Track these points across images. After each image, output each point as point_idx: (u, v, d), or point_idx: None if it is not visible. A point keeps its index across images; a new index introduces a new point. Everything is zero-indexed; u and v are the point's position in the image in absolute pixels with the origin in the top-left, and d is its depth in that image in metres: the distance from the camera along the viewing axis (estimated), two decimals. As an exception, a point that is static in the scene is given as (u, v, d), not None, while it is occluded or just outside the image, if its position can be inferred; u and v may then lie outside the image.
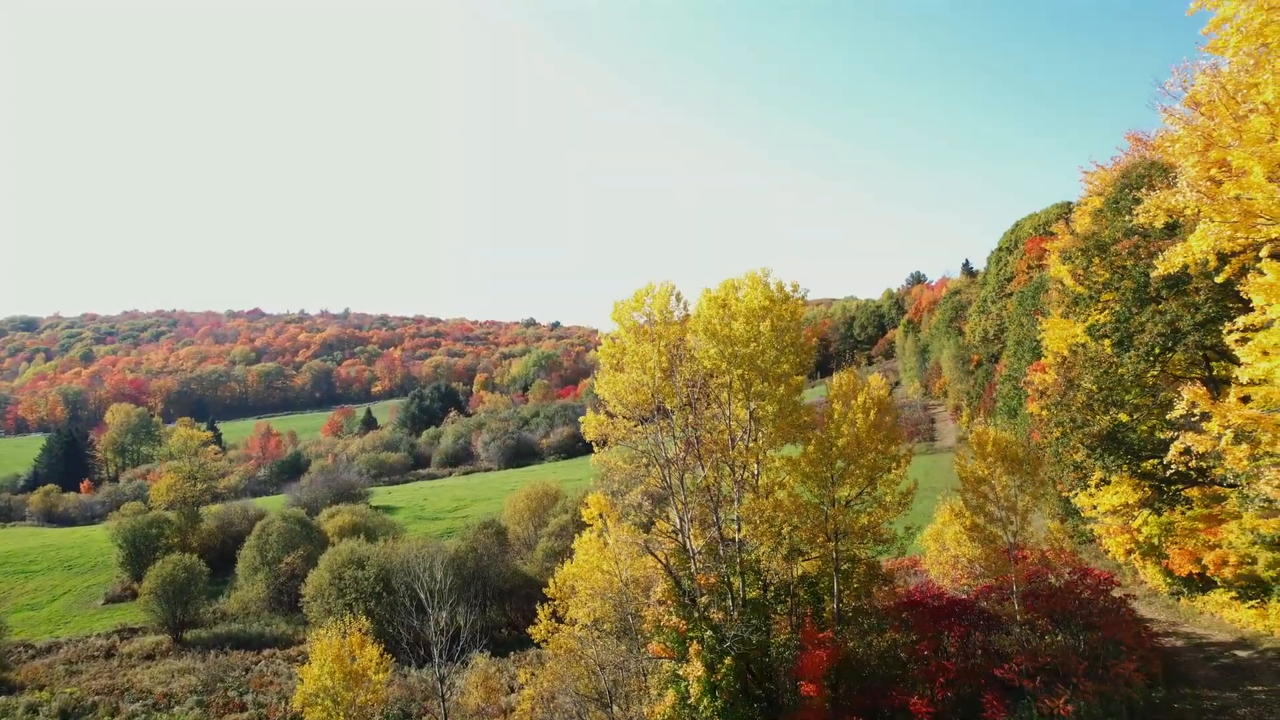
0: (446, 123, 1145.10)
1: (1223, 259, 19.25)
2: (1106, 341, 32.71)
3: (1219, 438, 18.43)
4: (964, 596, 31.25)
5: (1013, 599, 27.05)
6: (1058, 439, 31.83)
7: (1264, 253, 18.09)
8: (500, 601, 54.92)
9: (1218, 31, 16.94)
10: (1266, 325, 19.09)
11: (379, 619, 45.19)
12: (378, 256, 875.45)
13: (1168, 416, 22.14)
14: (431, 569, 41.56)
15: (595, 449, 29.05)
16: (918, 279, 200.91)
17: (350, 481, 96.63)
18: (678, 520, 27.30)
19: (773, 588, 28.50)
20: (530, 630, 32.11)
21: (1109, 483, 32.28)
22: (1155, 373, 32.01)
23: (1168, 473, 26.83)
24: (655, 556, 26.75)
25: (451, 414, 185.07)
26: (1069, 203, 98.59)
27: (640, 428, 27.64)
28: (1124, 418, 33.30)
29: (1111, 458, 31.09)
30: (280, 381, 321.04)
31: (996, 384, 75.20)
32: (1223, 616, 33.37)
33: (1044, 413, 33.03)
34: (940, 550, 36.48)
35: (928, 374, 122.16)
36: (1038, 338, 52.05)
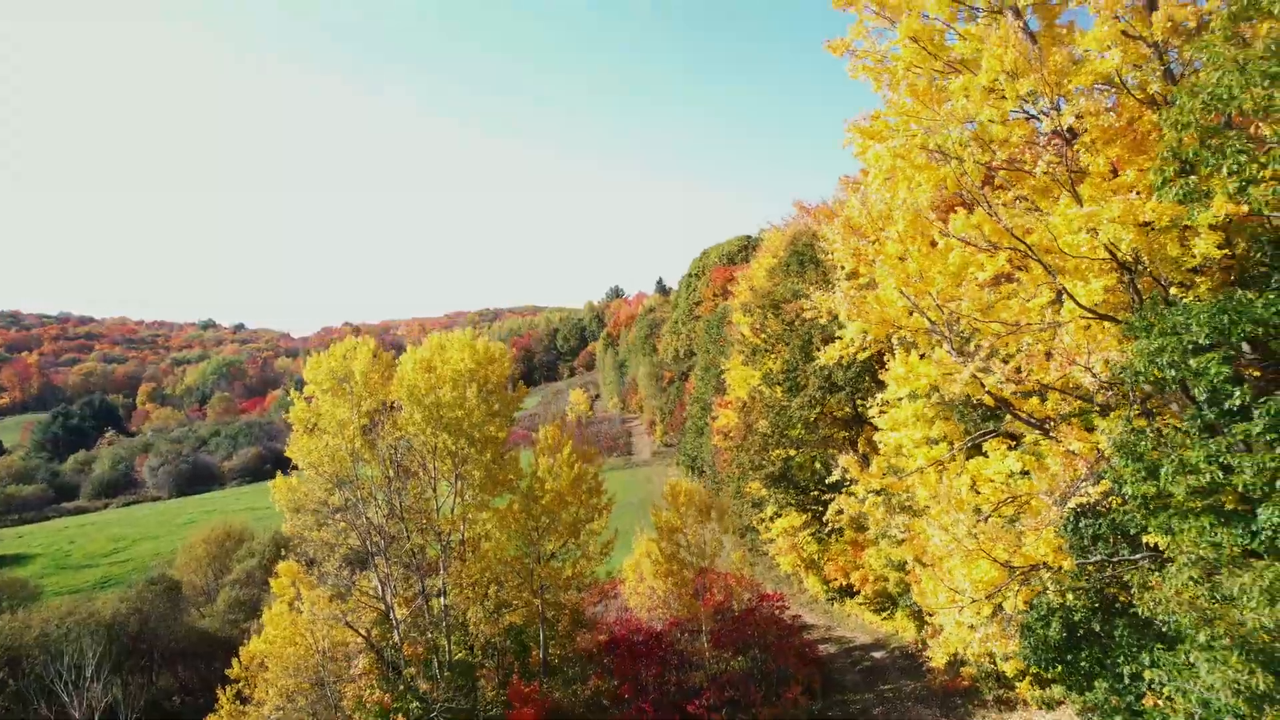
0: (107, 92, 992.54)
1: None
2: (779, 388, 36.91)
3: (864, 499, 21.65)
4: (660, 627, 33.47)
5: (703, 636, 29.47)
6: (738, 478, 35.30)
7: (894, 339, 21.62)
8: (173, 665, 48.55)
9: (865, 162, 19.91)
10: (898, 401, 22.87)
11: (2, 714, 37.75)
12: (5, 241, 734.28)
13: (826, 480, 25.54)
14: (80, 644, 35.71)
15: (279, 491, 26.51)
16: (617, 293, 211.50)
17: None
18: (380, 588, 26.13)
19: (479, 646, 28.36)
20: (209, 720, 28.77)
21: (781, 515, 36.50)
22: (817, 412, 36.85)
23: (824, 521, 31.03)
24: (355, 630, 25.35)
25: (109, 433, 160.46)
26: (749, 236, 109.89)
27: (339, 492, 26.05)
28: (794, 453, 37.82)
29: (782, 493, 35.19)
30: None
31: (687, 403, 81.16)
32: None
33: (728, 453, 36.50)
34: (638, 581, 38.71)
35: (626, 389, 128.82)
36: (722, 367, 57.32)
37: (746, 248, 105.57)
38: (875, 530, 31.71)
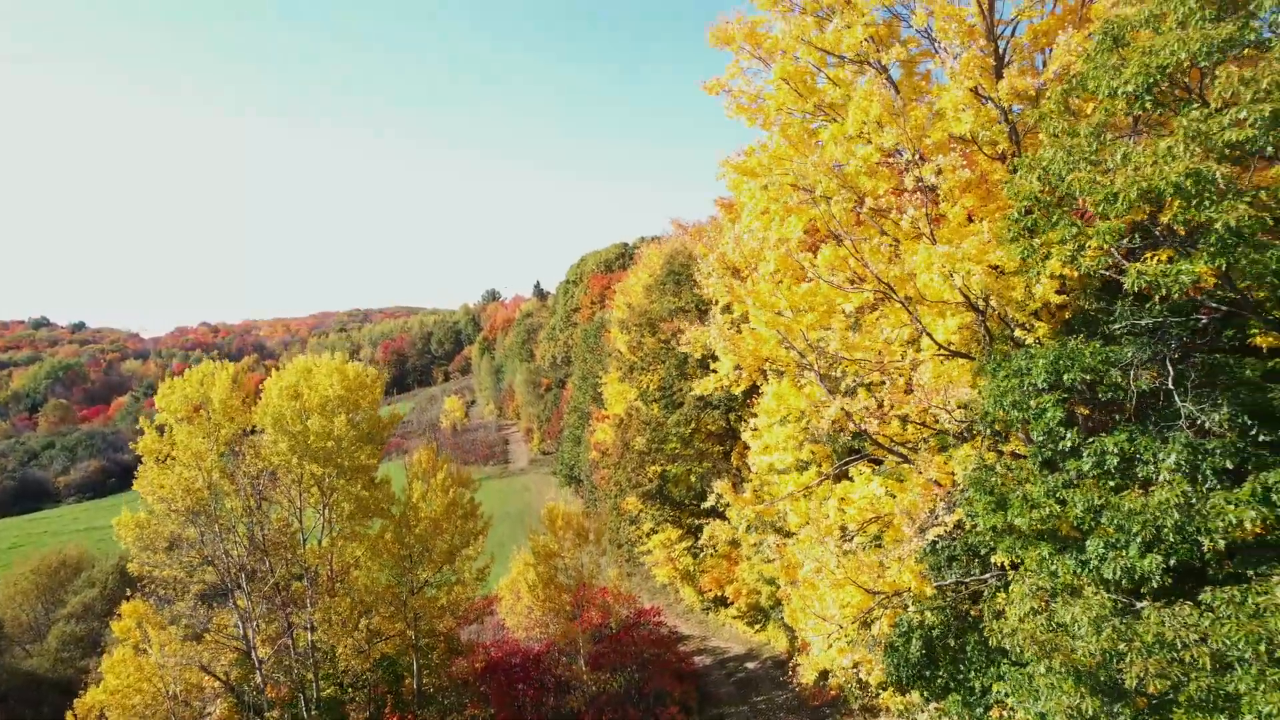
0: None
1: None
2: (655, 405, 37.39)
3: (737, 527, 22.27)
4: (538, 648, 33.18)
5: (580, 660, 29.43)
6: (615, 495, 35.52)
7: (768, 367, 22.35)
8: (-8, 710, 44.11)
9: (739, 197, 20.48)
10: (769, 426, 23.63)
11: None
12: None
13: (702, 501, 26.09)
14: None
15: (125, 529, 24.50)
16: (493, 296, 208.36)
17: None
18: (241, 625, 24.66)
19: (348, 680, 27.24)
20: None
21: (657, 531, 36.98)
22: (692, 428, 37.59)
23: (699, 538, 31.70)
24: (212, 674, 23.83)
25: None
26: (626, 244, 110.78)
27: (195, 526, 24.38)
28: (671, 467, 38.41)
29: (659, 510, 35.66)
30: None
31: (565, 411, 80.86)
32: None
33: (606, 470, 36.67)
34: (515, 600, 38.26)
35: (502, 395, 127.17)
36: (600, 379, 57.49)
37: (624, 255, 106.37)
38: (748, 549, 32.70)
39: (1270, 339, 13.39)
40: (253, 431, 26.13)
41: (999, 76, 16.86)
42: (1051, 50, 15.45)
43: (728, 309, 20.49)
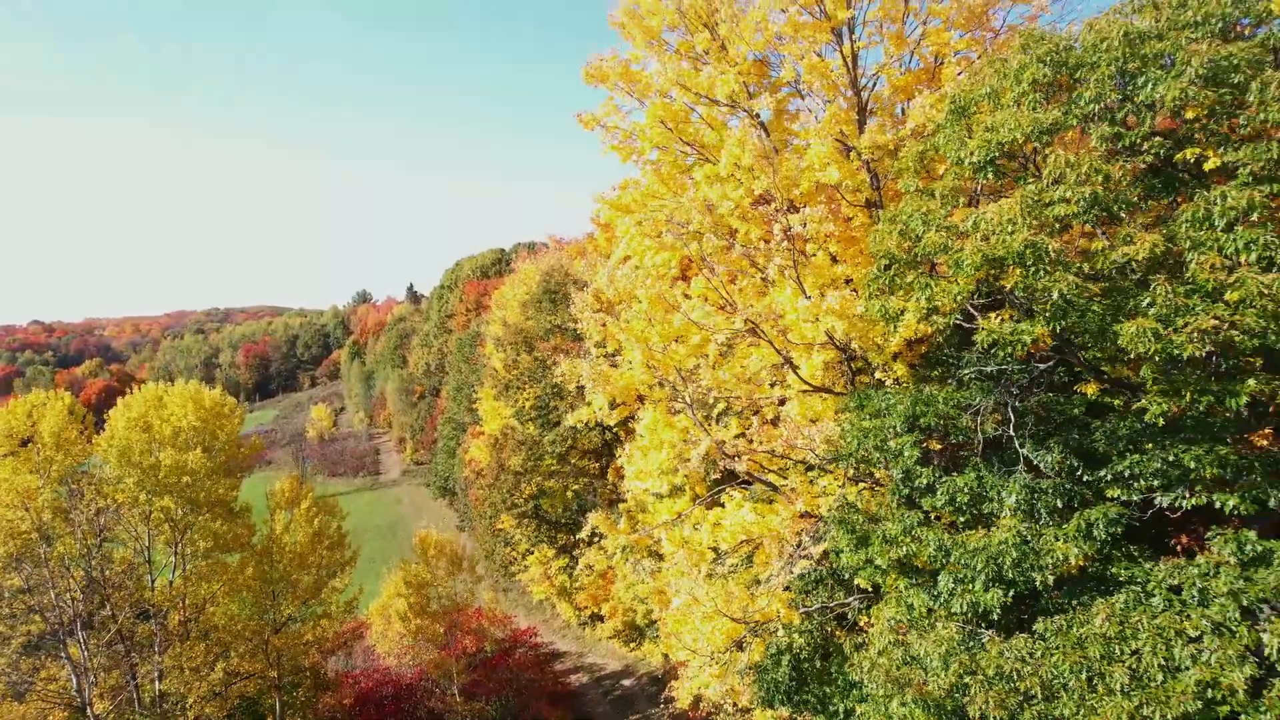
0: None
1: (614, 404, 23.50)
2: (531, 424, 37.10)
3: (613, 555, 22.40)
4: (410, 676, 32.23)
5: (454, 688, 28.82)
6: (490, 515, 35.02)
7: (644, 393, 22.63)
8: None
9: (613, 229, 20.62)
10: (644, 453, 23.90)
11: None
12: None
13: (578, 536, 26.10)
14: None
15: None
16: (364, 298, 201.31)
17: None
18: (75, 680, 22.69)
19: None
20: None
21: (533, 551, 36.70)
22: (568, 445, 37.55)
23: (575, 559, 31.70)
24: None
25: None
26: (503, 249, 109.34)
27: (19, 573, 22.24)
28: (550, 484, 38.20)
29: (534, 530, 35.40)
30: None
31: (439, 422, 78.84)
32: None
33: (480, 491, 36.08)
34: (386, 625, 37.05)
35: (374, 403, 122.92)
36: (475, 394, 56.37)
37: (501, 261, 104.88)
38: (624, 570, 32.98)
39: (1093, 385, 14.66)
40: (88, 468, 24.09)
41: (862, 126, 17.74)
42: (911, 102, 16.37)
43: (601, 344, 20.60)
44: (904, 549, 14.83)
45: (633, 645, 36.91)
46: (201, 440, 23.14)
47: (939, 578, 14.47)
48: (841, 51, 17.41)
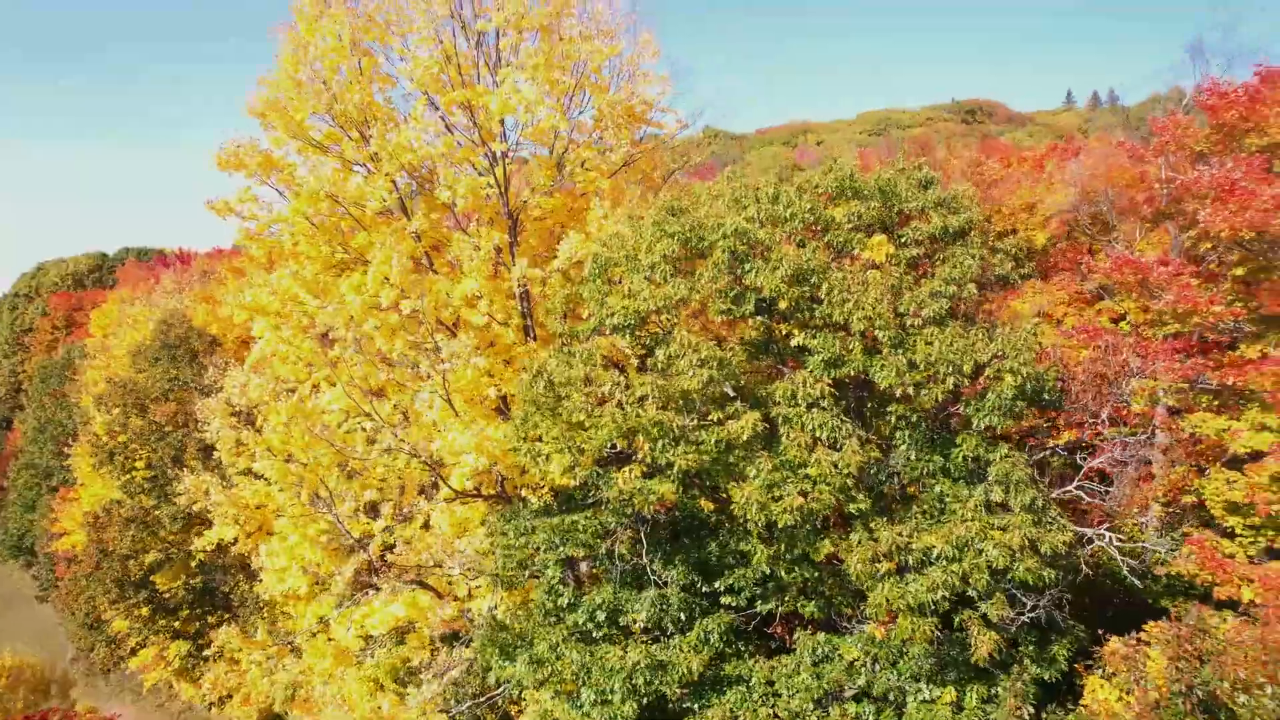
0: None
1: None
2: (145, 496, 32.51)
3: (247, 669, 20.57)
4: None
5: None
6: (88, 613, 30.07)
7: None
8: None
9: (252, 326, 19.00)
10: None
11: None
12: None
13: (206, 620, 23.45)
14: None
15: None
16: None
17: None
18: None
19: None
20: None
21: (146, 645, 32.13)
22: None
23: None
24: None
25: None
26: (106, 254, 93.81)
27: None
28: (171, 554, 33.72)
29: (147, 617, 31.06)
30: None
31: (12, 468, 64.02)
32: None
33: (75, 582, 30.72)
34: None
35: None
36: (66, 429, 47.49)
37: (103, 269, 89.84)
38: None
39: (710, 505, 16.76)
40: None
41: (514, 240, 18.40)
42: (560, 243, 17.21)
43: (238, 451, 18.85)
44: (549, 670, 15.70)
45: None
46: None
47: (582, 692, 15.53)
48: (495, 175, 17.87)
